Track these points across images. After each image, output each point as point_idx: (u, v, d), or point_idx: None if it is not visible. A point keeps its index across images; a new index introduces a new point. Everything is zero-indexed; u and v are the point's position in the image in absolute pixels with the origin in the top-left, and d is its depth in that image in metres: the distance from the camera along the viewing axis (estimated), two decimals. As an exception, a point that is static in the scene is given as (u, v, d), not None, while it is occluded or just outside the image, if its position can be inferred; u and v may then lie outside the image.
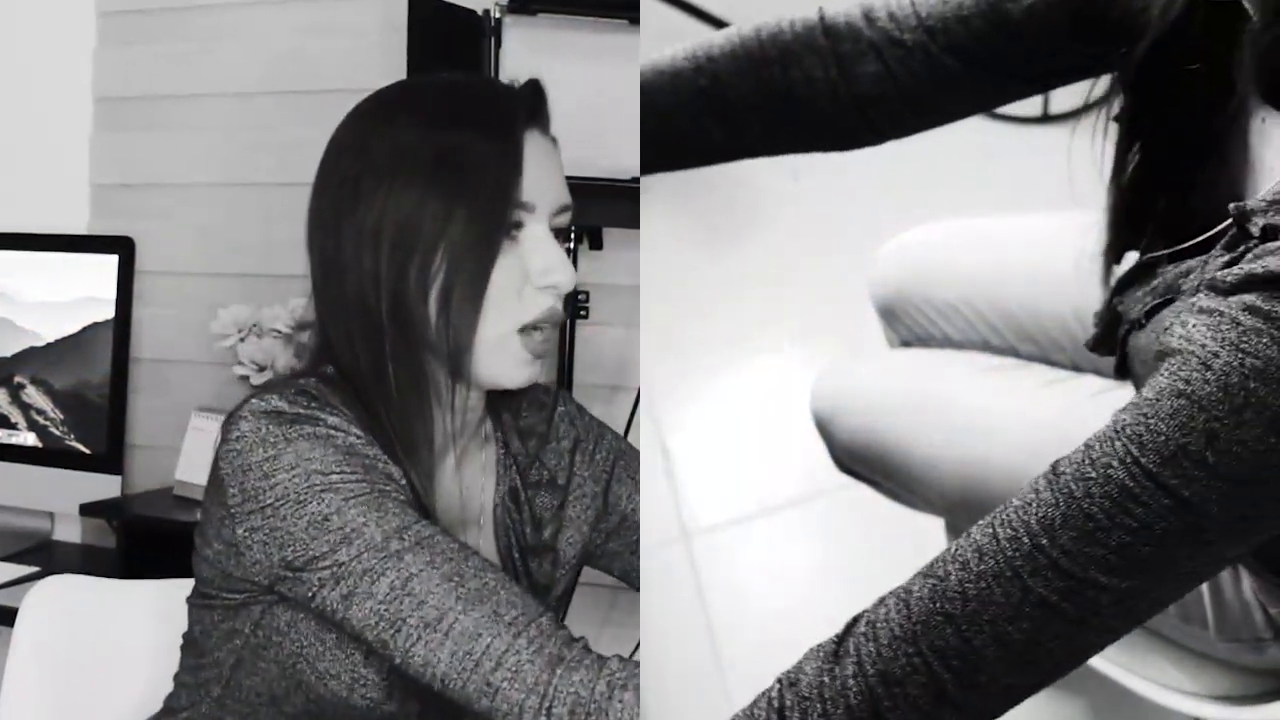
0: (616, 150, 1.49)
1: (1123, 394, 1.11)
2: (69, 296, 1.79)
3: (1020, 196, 2.09)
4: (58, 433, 1.78)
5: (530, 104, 0.89)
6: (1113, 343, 0.85)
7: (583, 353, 1.66)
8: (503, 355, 0.87)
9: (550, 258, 0.87)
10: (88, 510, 1.71)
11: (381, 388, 0.87)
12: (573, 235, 1.62)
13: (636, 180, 1.49)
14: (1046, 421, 1.09)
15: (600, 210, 1.57)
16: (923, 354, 1.23)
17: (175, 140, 1.88)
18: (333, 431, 0.82)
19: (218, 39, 1.85)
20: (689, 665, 1.63)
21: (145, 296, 1.85)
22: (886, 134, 0.97)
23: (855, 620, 0.70)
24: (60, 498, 1.75)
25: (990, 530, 0.66)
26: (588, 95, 1.54)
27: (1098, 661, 1.09)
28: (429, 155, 0.85)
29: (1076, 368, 1.16)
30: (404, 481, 0.85)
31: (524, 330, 0.87)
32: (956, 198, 2.05)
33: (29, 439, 1.80)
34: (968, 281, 1.21)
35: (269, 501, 0.81)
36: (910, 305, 1.24)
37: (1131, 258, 0.86)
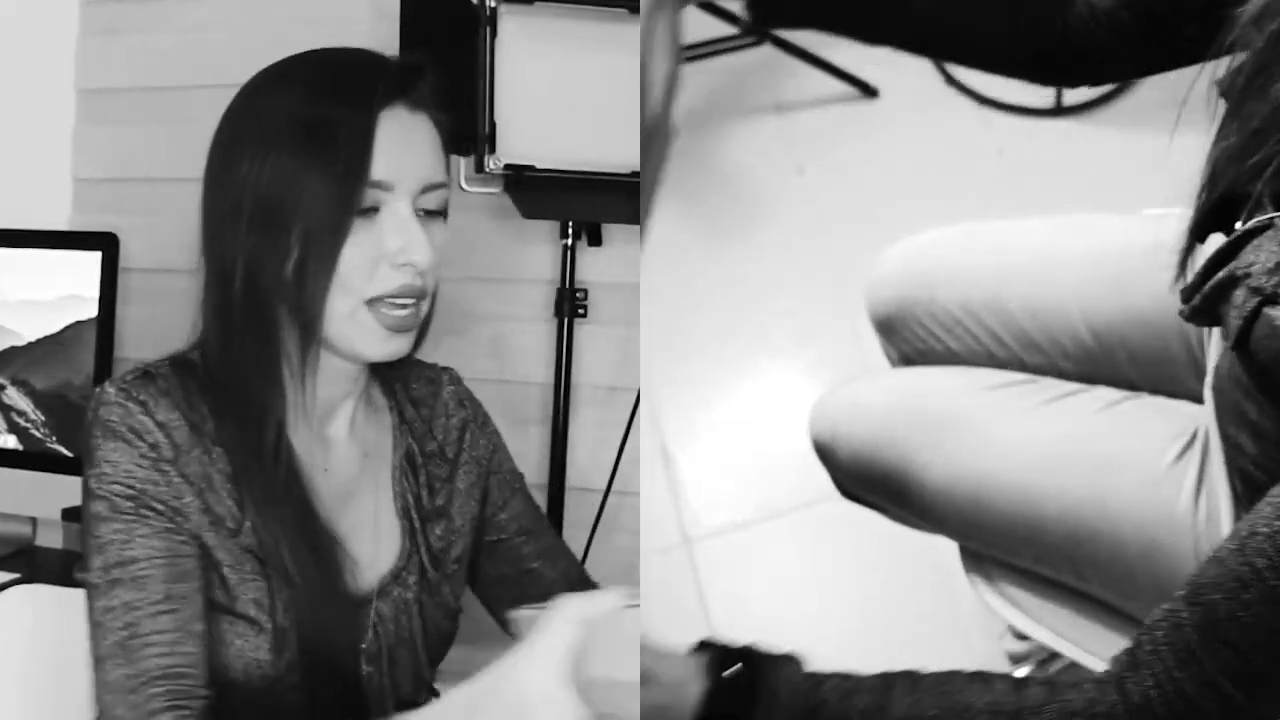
0: (615, 143, 1.49)
1: (1133, 405, 1.11)
2: (50, 294, 1.77)
3: (1031, 193, 2.10)
4: (39, 435, 1.77)
5: (397, 78, 0.91)
6: (1213, 314, 0.82)
7: (581, 352, 1.65)
8: (354, 327, 0.91)
9: (407, 237, 0.90)
10: (71, 515, 1.70)
11: (227, 356, 0.92)
12: (570, 231, 1.61)
13: (636, 174, 1.50)
14: (1058, 438, 1.08)
15: (599, 205, 1.56)
16: (926, 371, 1.22)
17: (160, 133, 1.86)
18: (145, 432, 0.89)
19: (204, 29, 1.83)
20: None
21: (129, 294, 1.83)
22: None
23: (1138, 643, 0.76)
24: (42, 502, 1.74)
25: (1243, 557, 0.70)
26: (586, 86, 1.54)
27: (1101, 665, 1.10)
28: (290, 127, 0.89)
29: (1085, 379, 1.15)
30: (188, 499, 0.90)
31: (374, 302, 0.91)
32: (964, 195, 2.05)
33: (10, 441, 1.78)
34: (972, 289, 1.20)
35: (85, 486, 0.91)
36: (911, 318, 1.23)
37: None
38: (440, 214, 0.94)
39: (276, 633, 0.91)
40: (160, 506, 0.89)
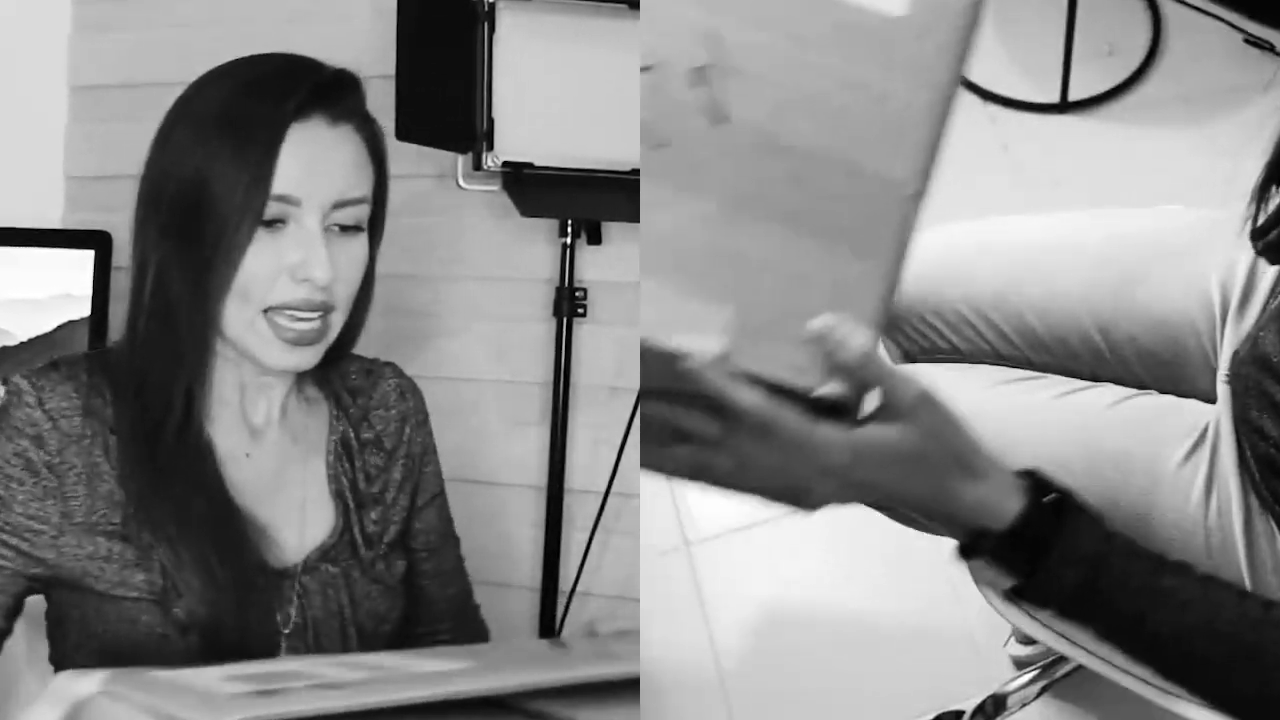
0: (615, 140, 1.49)
1: (1143, 401, 1.10)
2: (42, 293, 1.76)
3: (1037, 190, 2.09)
4: (31, 436, 1.77)
5: (319, 89, 0.91)
6: None
7: (580, 352, 1.65)
8: (253, 336, 0.93)
9: (308, 253, 0.91)
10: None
11: (134, 345, 0.95)
12: (570, 230, 1.61)
13: (636, 172, 1.47)
14: (1068, 435, 1.07)
15: (598, 203, 1.56)
16: (931, 369, 1.21)
17: (154, 130, 1.86)
18: (29, 425, 0.92)
19: (199, 25, 1.82)
20: (690, 677, 1.62)
21: (122, 293, 1.81)
22: None
23: None
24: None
25: None
26: (586, 83, 1.54)
27: (1107, 669, 1.08)
28: (207, 130, 0.91)
29: (1094, 377, 1.15)
30: (49, 505, 0.93)
31: (273, 313, 0.92)
32: (968, 191, 2.05)
33: (1, 442, 1.78)
34: (977, 287, 1.19)
35: None
36: (915, 316, 1.22)
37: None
38: (357, 229, 0.95)
39: (179, 611, 0.92)
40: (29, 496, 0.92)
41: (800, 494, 0.80)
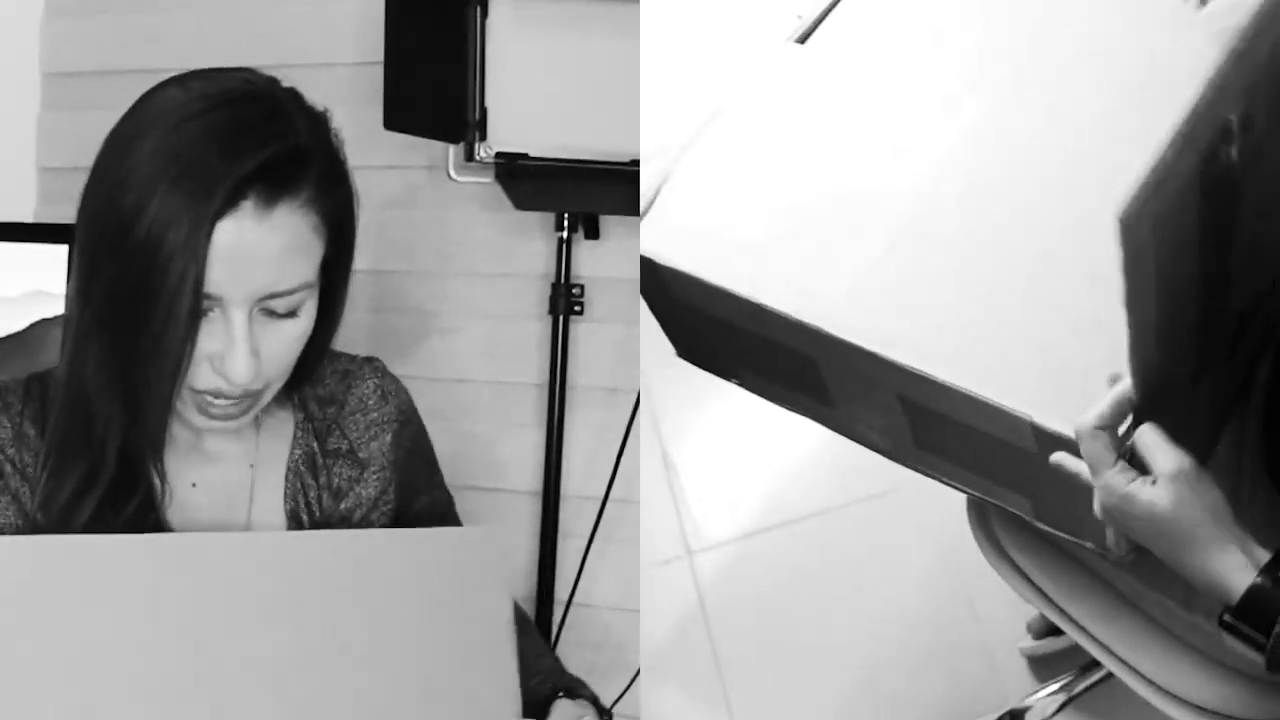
0: (613, 130, 1.48)
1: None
2: (15, 290, 1.75)
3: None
4: (2, 440, 1.76)
5: (245, 180, 0.86)
6: None
7: (577, 352, 1.64)
8: (181, 405, 0.91)
9: (227, 349, 0.88)
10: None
11: (69, 375, 0.93)
12: (567, 224, 1.60)
13: (635, 163, 1.49)
14: None
15: (596, 196, 1.56)
16: None
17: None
18: None
19: (177, 10, 1.82)
20: (692, 691, 1.62)
21: (98, 290, 1.82)
22: None
23: None
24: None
25: None
26: (582, 70, 1.54)
27: (1111, 663, 1.12)
28: (131, 222, 0.86)
29: None
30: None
31: (198, 393, 0.90)
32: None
33: (-29, 446, 1.77)
34: None
35: None
36: None
37: None
38: (292, 314, 0.91)
39: None
40: None
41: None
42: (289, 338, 0.91)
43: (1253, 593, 0.84)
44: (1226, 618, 0.85)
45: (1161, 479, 0.86)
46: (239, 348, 0.88)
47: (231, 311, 0.88)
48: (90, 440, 0.92)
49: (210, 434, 0.99)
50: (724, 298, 1.04)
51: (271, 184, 0.87)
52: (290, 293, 0.89)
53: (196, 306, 0.86)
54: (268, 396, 0.94)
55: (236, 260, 0.86)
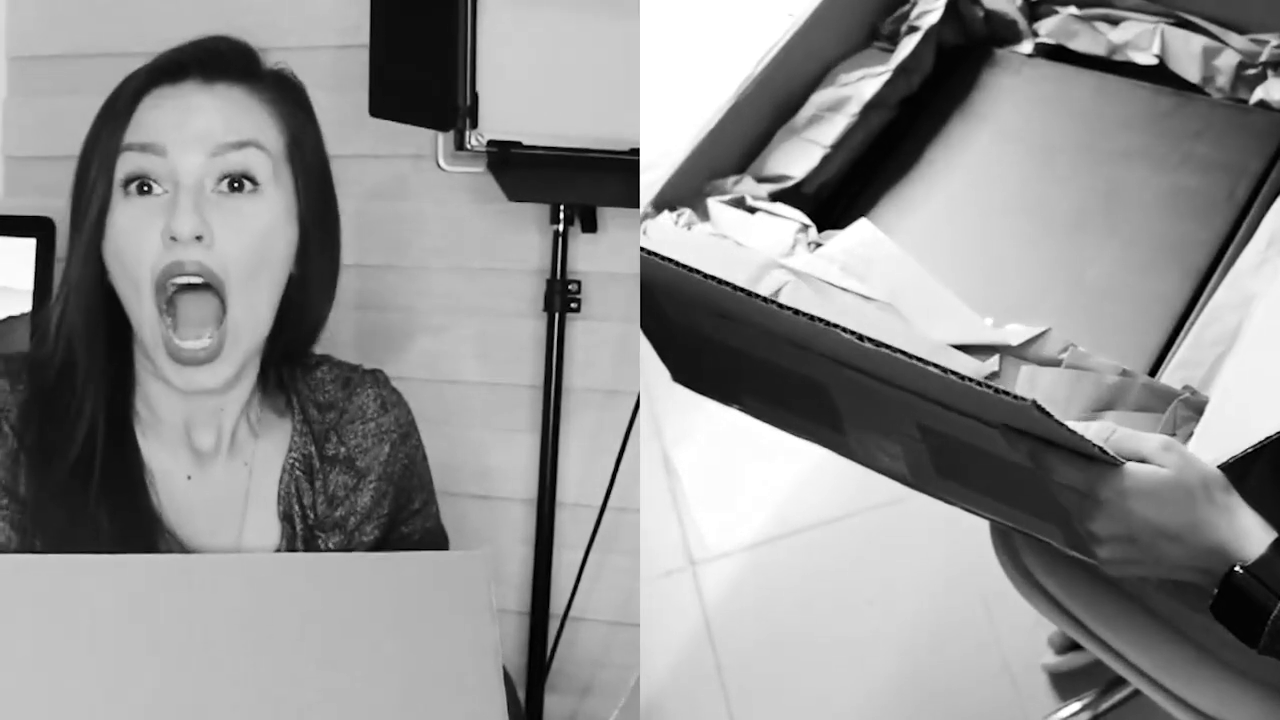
0: (611, 117, 1.48)
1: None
2: (-22, 286, 1.75)
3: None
4: (-34, 444, 1.75)
5: (193, 54, 0.96)
6: None
7: (574, 351, 1.64)
8: (154, 341, 0.95)
9: (174, 208, 0.93)
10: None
11: (49, 347, 0.98)
12: (563, 216, 1.60)
13: (635, 151, 1.50)
14: None
15: (593, 187, 1.55)
16: None
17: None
18: None
19: (151, -11, 1.80)
20: (695, 708, 1.63)
21: (68, 286, 1.82)
22: None
23: None
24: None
25: None
26: (578, 55, 1.53)
27: (1146, 687, 1.13)
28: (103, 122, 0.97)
29: None
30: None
31: (164, 318, 0.93)
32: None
33: (-67, 451, 1.76)
34: None
35: None
36: None
37: None
38: (249, 183, 0.95)
39: None
40: None
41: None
42: (247, 219, 0.95)
43: (1279, 546, 0.86)
44: (1239, 570, 0.86)
45: (1154, 455, 0.88)
46: (182, 197, 0.92)
47: (179, 176, 0.92)
48: (72, 408, 0.96)
49: (199, 427, 1.00)
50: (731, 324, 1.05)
51: (213, 66, 0.96)
52: (240, 146, 0.94)
53: (113, 153, 0.93)
54: (240, 344, 0.96)
55: (179, 111, 0.93)
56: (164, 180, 0.92)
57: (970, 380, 0.85)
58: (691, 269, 0.97)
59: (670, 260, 0.99)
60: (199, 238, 0.92)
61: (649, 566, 1.71)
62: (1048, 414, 0.82)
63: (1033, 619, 1.35)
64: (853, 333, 0.89)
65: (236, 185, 0.94)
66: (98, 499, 0.95)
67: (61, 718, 0.78)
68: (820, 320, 0.90)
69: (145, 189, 0.93)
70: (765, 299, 0.94)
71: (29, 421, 0.96)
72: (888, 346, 0.87)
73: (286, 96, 0.99)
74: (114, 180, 0.93)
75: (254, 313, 0.96)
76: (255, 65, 0.99)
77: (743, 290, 0.95)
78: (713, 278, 0.96)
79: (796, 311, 0.92)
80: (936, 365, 0.86)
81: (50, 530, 0.94)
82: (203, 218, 0.92)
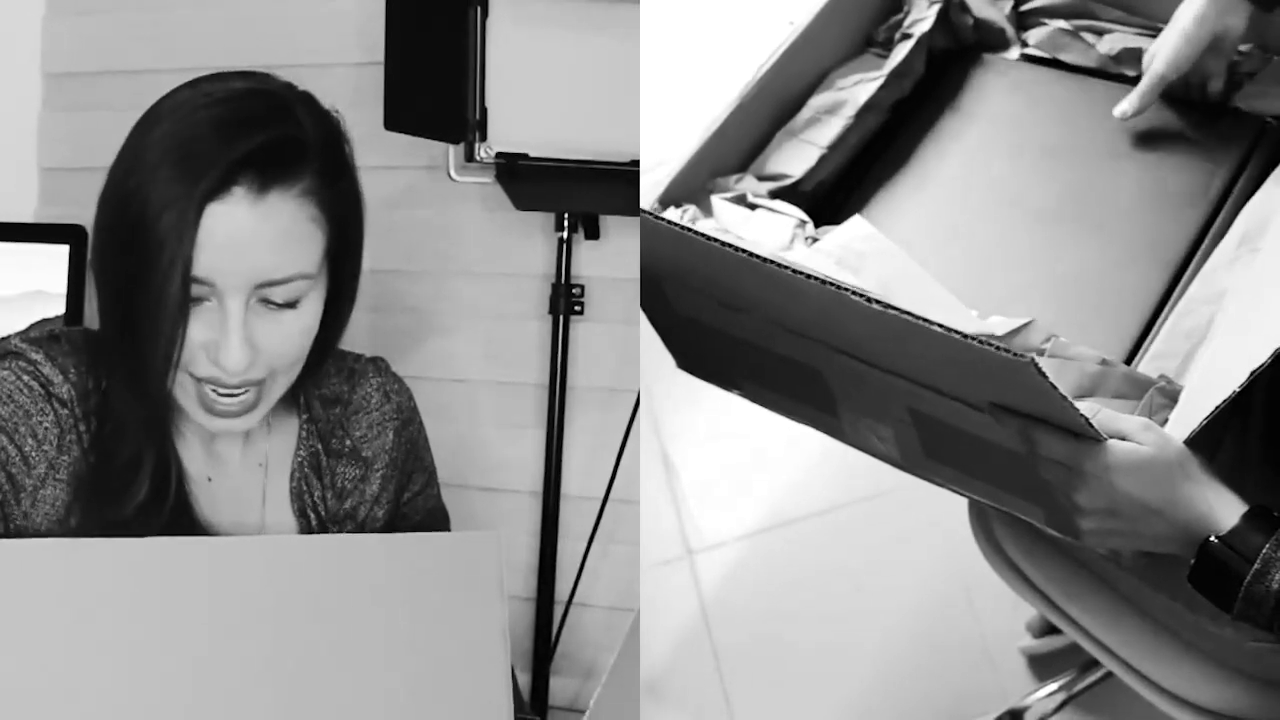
0: (614, 130, 1.49)
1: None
2: (15, 290, 1.75)
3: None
4: (3, 440, 1.76)
5: (238, 164, 0.88)
6: None
7: (577, 352, 1.65)
8: (182, 394, 0.93)
9: (221, 337, 0.90)
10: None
11: (110, 339, 0.95)
12: (567, 224, 1.61)
13: (635, 163, 1.50)
14: None
15: (596, 196, 1.56)
16: None
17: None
18: (46, 381, 0.94)
19: (178, 8, 1.82)
20: (693, 692, 1.62)
21: (98, 290, 1.82)
22: None
23: None
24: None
25: None
26: (583, 70, 1.54)
27: (1114, 665, 1.13)
28: (131, 208, 0.89)
29: None
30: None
31: (200, 381, 0.92)
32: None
33: (-29, 446, 1.77)
34: None
35: None
36: None
37: None
38: (291, 305, 0.92)
39: None
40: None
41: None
42: (290, 330, 0.92)
43: (1249, 518, 0.87)
44: (1214, 540, 0.87)
45: (1134, 434, 0.89)
46: (232, 335, 0.89)
47: (227, 299, 0.89)
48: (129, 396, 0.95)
49: (224, 439, 1.01)
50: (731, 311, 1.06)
51: (264, 170, 0.88)
52: (286, 281, 0.90)
53: (185, 287, 0.88)
54: (275, 393, 0.95)
55: (228, 244, 0.88)
56: (210, 298, 0.90)
57: (971, 338, 0.82)
58: (716, 239, 0.96)
59: (699, 233, 0.97)
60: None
61: (648, 555, 1.70)
62: (1043, 374, 0.82)
63: (1011, 603, 1.35)
64: (861, 294, 0.87)
65: (280, 304, 0.92)
66: (143, 503, 0.95)
67: (82, 696, 0.77)
68: (830, 283, 0.89)
69: (195, 300, 0.90)
70: (781, 264, 0.92)
71: (87, 412, 0.96)
72: (893, 307, 0.85)
73: (336, 193, 0.93)
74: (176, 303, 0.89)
75: (290, 375, 0.96)
76: (309, 160, 0.91)
77: (771, 260, 0.92)
78: (739, 249, 0.94)
79: (809, 276, 0.90)
80: (940, 325, 0.83)
81: (92, 515, 0.95)
82: (248, 338, 0.90)
